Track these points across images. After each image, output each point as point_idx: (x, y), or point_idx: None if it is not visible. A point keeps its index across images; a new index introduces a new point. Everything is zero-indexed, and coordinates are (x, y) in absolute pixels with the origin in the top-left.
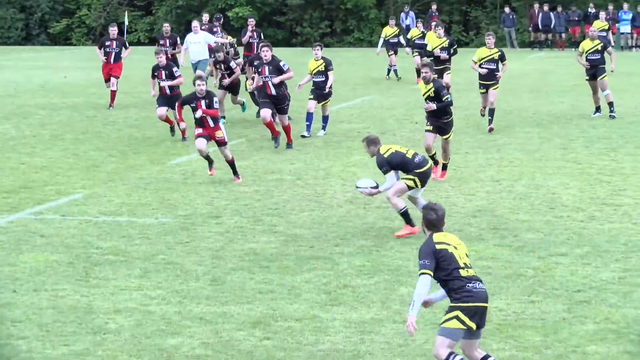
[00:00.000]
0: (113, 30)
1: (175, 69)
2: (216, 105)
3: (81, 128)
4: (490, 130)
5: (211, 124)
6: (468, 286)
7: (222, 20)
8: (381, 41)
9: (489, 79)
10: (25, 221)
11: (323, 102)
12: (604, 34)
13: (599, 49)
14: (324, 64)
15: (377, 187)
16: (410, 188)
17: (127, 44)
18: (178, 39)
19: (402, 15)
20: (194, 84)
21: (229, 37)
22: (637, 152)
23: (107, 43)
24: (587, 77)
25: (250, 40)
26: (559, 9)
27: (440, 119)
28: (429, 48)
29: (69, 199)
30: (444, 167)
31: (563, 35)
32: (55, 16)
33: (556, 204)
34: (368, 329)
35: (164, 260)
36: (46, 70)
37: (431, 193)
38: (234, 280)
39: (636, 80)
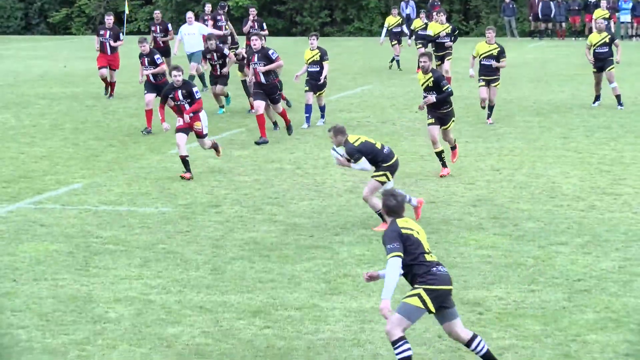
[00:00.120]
0: (109, 19)
1: (157, 56)
2: (197, 96)
3: (81, 118)
4: (489, 122)
5: (188, 115)
6: (432, 270)
7: (227, 8)
8: (384, 31)
9: (488, 73)
10: (25, 211)
11: (318, 93)
12: (605, 22)
13: (607, 41)
14: (319, 53)
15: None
16: (382, 184)
17: (121, 35)
18: (169, 25)
19: (402, 4)
20: (170, 75)
21: (227, 26)
22: (638, 142)
23: (102, 32)
24: (595, 70)
25: (252, 30)
26: None
27: (440, 109)
28: (430, 33)
29: (68, 188)
30: (453, 148)
31: (563, 24)
32: (55, 5)
33: (556, 193)
34: (368, 318)
35: (164, 249)
36: (46, 60)
37: (431, 182)
38: (234, 269)
39: (636, 70)
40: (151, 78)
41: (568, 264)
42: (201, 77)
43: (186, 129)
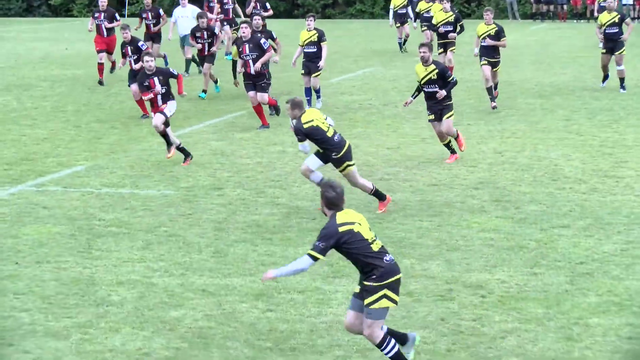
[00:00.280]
0: (103, 2)
1: (141, 43)
2: (175, 72)
3: (83, 100)
4: (494, 107)
5: (160, 103)
6: (385, 260)
7: None
8: (391, 13)
9: (488, 54)
10: (27, 193)
11: (314, 74)
12: (614, 2)
13: (617, 21)
14: (317, 34)
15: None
16: (353, 169)
17: (118, 17)
18: (161, 10)
19: None
20: (142, 61)
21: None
22: None
23: (96, 15)
24: (604, 50)
25: (255, 12)
26: None
27: (441, 102)
28: (434, 21)
29: (71, 170)
30: (452, 152)
31: (565, 6)
32: None
33: (558, 176)
34: None
35: (167, 232)
36: (47, 42)
37: (433, 165)
38: (237, 252)
39: (638, 52)
40: (133, 65)
41: (570, 247)
42: (193, 60)
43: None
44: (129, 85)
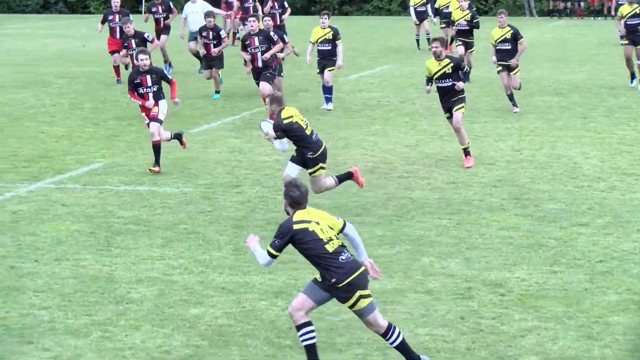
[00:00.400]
0: (116, 2)
1: (147, 34)
2: (170, 77)
3: (100, 97)
4: (515, 111)
5: (151, 99)
6: (341, 259)
7: None
8: (412, 10)
9: (505, 58)
10: (46, 190)
11: (328, 69)
12: None
13: (638, 12)
14: (331, 32)
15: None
16: (324, 173)
17: (130, 16)
18: (171, 4)
19: None
20: (137, 59)
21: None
22: None
23: (110, 17)
24: (626, 42)
25: (272, 11)
26: None
27: (453, 97)
28: (453, 18)
29: (89, 168)
30: (467, 153)
31: (582, 3)
32: None
33: (577, 174)
34: (390, 299)
35: (186, 229)
36: (64, 39)
37: (450, 162)
38: None
39: None
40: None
41: (589, 245)
42: (197, 55)
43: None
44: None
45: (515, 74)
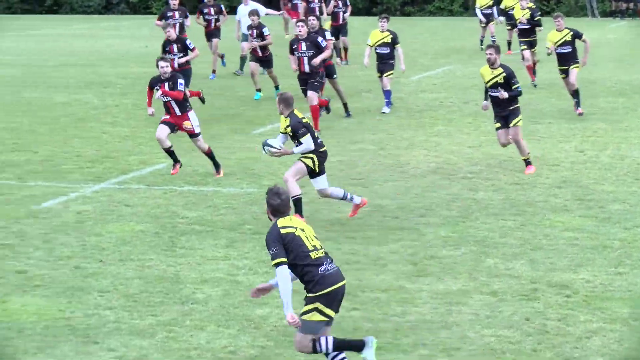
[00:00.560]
0: (174, 1)
1: (188, 41)
2: (180, 87)
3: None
4: (580, 114)
5: (177, 111)
6: (320, 270)
7: None
8: (478, 11)
9: (565, 62)
10: (110, 191)
11: (386, 74)
12: None
13: None
14: (390, 36)
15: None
16: (307, 168)
17: (188, 14)
18: (222, 7)
19: None
20: (157, 66)
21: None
22: None
23: (169, 14)
24: None
25: (336, 10)
26: None
27: (506, 108)
28: (514, 18)
29: (153, 168)
30: (528, 163)
31: None
32: None
33: None
34: (455, 300)
35: (250, 230)
36: (126, 40)
37: (514, 163)
38: None
39: None
40: (175, 64)
41: None
42: (243, 59)
43: (171, 124)
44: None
45: (574, 67)
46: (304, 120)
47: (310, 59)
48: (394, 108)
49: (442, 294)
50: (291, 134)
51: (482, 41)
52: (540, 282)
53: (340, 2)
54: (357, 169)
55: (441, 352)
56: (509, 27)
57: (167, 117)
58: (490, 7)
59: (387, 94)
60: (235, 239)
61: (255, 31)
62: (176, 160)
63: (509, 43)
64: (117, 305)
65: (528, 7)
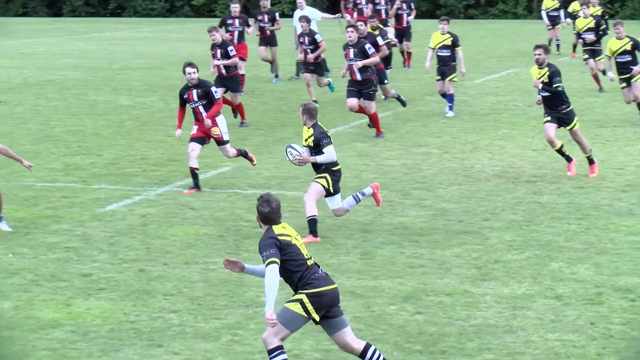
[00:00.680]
0: (235, 7)
1: (230, 48)
2: (217, 96)
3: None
4: None
5: (204, 114)
6: (316, 274)
7: None
8: (544, 13)
9: (626, 71)
10: (175, 194)
11: (448, 77)
12: None
13: None
14: (451, 38)
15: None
16: (323, 188)
17: (250, 23)
18: (277, 14)
19: None
20: (184, 73)
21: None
22: None
23: (229, 21)
24: None
25: (400, 12)
26: None
27: (556, 109)
28: (576, 29)
29: (217, 171)
30: (591, 162)
31: None
32: None
33: None
34: (520, 304)
35: None
36: (191, 43)
37: (579, 166)
38: (384, 254)
39: None
40: (222, 70)
41: None
42: (299, 64)
43: (201, 138)
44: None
45: (636, 80)
46: (329, 133)
47: (360, 67)
48: (458, 111)
49: (507, 298)
50: (312, 144)
51: (549, 43)
52: (604, 286)
53: (404, 5)
54: (421, 173)
55: (506, 357)
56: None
57: (195, 128)
58: (557, 9)
59: (450, 97)
60: None
61: (307, 38)
62: (196, 185)
63: (574, 46)
64: (182, 309)
65: (592, 15)
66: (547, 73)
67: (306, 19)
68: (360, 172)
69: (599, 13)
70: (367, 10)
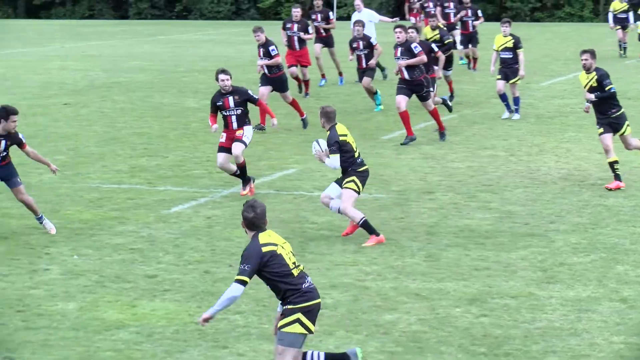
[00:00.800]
0: (296, 12)
1: (272, 47)
2: (256, 97)
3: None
4: None
5: (235, 125)
6: (304, 286)
7: None
8: (610, 16)
9: None
10: (240, 196)
11: (512, 80)
12: None
13: None
14: (512, 40)
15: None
16: (354, 191)
17: (310, 29)
18: (331, 13)
19: None
20: (217, 80)
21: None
22: None
23: (288, 25)
24: None
25: (465, 19)
26: None
27: (606, 113)
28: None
29: (282, 173)
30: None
31: None
32: None
33: None
34: (585, 307)
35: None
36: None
37: (624, 165)
38: (449, 256)
39: None
40: (265, 69)
41: None
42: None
43: (228, 148)
44: (259, 87)
45: None
46: (340, 139)
47: (408, 67)
48: (525, 114)
49: (572, 301)
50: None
51: (620, 45)
52: None
53: (470, 12)
54: (487, 175)
55: (570, 359)
56: (618, 28)
57: (224, 135)
58: (625, 11)
59: (516, 100)
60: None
61: (361, 43)
62: (248, 180)
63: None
64: (247, 310)
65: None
66: (596, 77)
67: (361, 23)
68: (426, 174)
69: None
70: (437, 14)
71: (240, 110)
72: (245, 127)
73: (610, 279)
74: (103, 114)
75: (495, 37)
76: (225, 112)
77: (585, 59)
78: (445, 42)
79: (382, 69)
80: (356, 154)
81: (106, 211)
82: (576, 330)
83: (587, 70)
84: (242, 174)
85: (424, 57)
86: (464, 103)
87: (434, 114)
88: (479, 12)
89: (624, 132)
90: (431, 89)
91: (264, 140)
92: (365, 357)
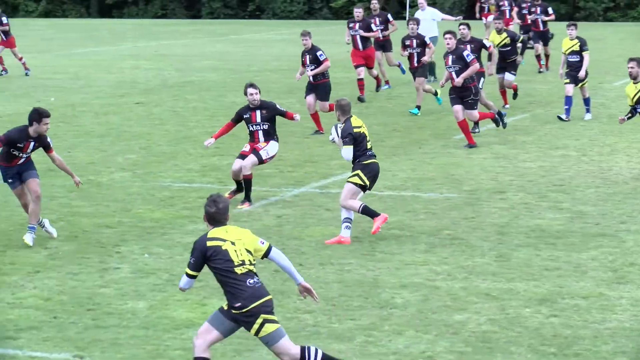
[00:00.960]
0: (358, 12)
1: (320, 52)
2: (284, 109)
3: (364, 103)
4: None
5: (261, 137)
6: (249, 283)
7: None
8: None
9: None
10: (311, 195)
11: (580, 84)
12: None
13: None
14: (578, 43)
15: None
16: (358, 186)
17: (372, 27)
18: (389, 16)
19: None
20: (245, 94)
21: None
22: None
23: (351, 25)
24: None
25: (535, 16)
26: None
27: None
28: None
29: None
30: None
31: None
32: None
33: None
34: None
35: (450, 235)
36: (328, 45)
37: None
38: (520, 256)
39: None
40: (311, 79)
41: None
42: (431, 65)
43: (245, 156)
44: (305, 97)
45: None
46: (355, 130)
47: (457, 73)
48: (596, 114)
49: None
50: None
51: None
52: None
53: (539, 9)
54: (559, 175)
55: None
56: None
57: (247, 147)
58: None
59: (586, 101)
60: (435, 244)
61: (415, 41)
62: (248, 196)
63: None
64: (317, 309)
65: None
66: None
67: (416, 21)
68: (497, 174)
69: None
70: (513, 14)
71: (267, 125)
72: (271, 142)
73: None
74: (175, 113)
75: (562, 40)
76: (252, 126)
77: (631, 67)
78: (520, 39)
79: (433, 76)
80: (368, 145)
81: (177, 210)
82: None
83: (634, 79)
84: (246, 188)
85: (476, 66)
86: (536, 102)
87: (482, 117)
88: (549, 9)
89: None
90: (478, 97)
91: None
92: (433, 356)
